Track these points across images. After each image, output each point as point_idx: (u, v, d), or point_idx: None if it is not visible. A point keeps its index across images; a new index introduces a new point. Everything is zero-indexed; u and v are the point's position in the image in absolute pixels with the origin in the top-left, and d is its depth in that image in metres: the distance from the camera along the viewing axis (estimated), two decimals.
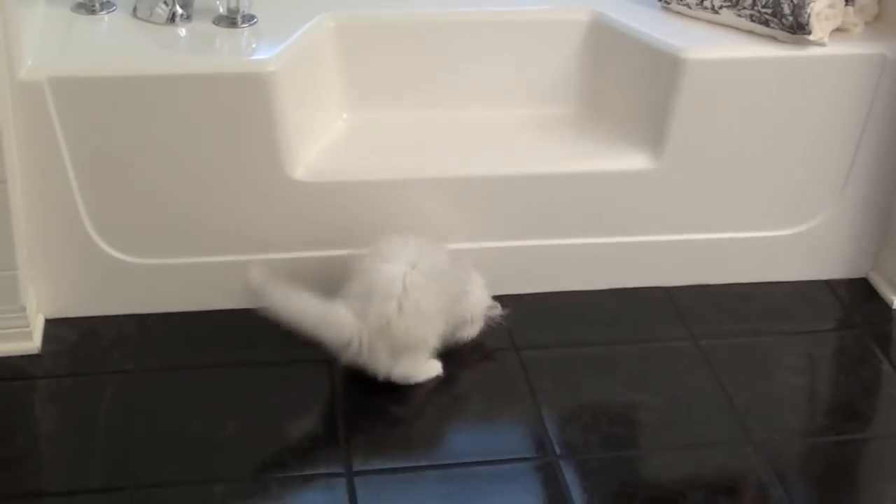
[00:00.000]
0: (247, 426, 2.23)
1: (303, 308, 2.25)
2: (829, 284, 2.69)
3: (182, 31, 2.47)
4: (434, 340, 2.33)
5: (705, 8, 2.56)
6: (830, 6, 2.47)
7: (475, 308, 2.40)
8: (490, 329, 2.44)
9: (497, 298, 2.49)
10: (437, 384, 2.37)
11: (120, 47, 2.41)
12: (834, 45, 2.49)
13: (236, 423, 2.23)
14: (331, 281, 2.49)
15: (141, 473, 2.12)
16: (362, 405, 2.30)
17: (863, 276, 2.71)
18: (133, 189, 2.40)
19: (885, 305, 2.64)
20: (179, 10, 2.47)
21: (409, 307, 2.27)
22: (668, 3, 2.62)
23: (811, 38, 2.45)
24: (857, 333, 2.56)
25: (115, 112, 2.32)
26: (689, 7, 2.58)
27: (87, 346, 2.41)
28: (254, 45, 2.45)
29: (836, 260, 2.70)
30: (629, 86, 2.60)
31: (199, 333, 2.46)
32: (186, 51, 2.45)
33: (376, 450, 2.21)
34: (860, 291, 2.68)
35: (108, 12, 2.50)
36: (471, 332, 2.41)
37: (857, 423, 2.33)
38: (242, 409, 2.27)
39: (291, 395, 2.32)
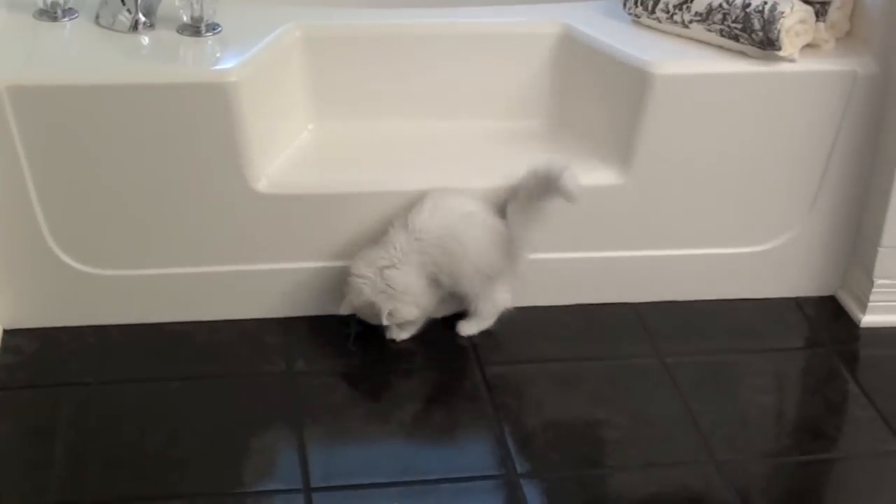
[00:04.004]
0: (206, 440, 2.21)
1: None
2: (797, 302, 2.68)
3: (145, 39, 2.45)
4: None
5: (675, 22, 2.54)
6: (801, 22, 2.46)
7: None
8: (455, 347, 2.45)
9: (462, 314, 2.48)
10: (400, 400, 2.35)
11: (81, 56, 2.38)
12: (804, 61, 2.47)
13: (195, 438, 2.21)
14: (295, 294, 2.49)
15: (97, 488, 2.09)
16: (323, 420, 2.28)
17: (831, 293, 2.70)
18: (94, 199, 2.37)
19: (853, 324, 2.62)
20: (142, 18, 2.44)
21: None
22: (639, 17, 2.60)
23: (781, 53, 2.44)
24: (824, 352, 2.55)
25: (75, 121, 2.30)
26: (660, 21, 2.56)
27: (46, 358, 2.38)
28: (217, 55, 2.42)
29: (804, 277, 2.68)
30: (598, 100, 2.58)
31: (159, 345, 2.43)
32: (149, 60, 2.42)
33: (336, 465, 2.18)
34: (828, 309, 2.67)
35: (71, 19, 2.48)
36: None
37: (822, 444, 2.31)
38: (201, 423, 2.25)
39: (251, 408, 2.30)
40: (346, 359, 2.44)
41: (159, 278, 2.45)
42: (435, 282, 2.42)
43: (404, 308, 2.39)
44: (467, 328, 2.50)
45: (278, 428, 2.26)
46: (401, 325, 2.45)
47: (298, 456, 2.19)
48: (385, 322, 2.38)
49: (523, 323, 2.52)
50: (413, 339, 2.48)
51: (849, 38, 2.56)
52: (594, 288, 2.60)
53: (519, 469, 2.19)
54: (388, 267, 2.38)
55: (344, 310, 2.42)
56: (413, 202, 2.43)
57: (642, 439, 2.27)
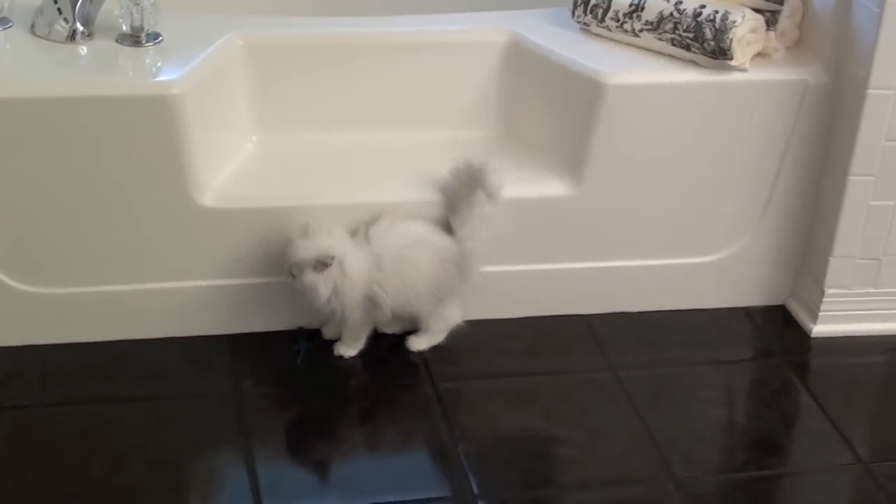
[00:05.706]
0: (152, 465, 2.14)
1: None
2: (747, 312, 2.66)
3: (83, 49, 2.37)
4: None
5: (626, 31, 2.51)
6: (752, 31, 2.44)
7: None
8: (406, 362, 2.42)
9: (412, 330, 2.45)
10: (350, 419, 2.30)
11: (16, 67, 2.31)
12: (755, 70, 2.46)
13: (141, 462, 2.14)
14: (242, 311, 2.43)
15: None
16: (272, 441, 2.23)
17: (781, 303, 2.69)
18: (32, 216, 2.29)
19: (804, 333, 2.61)
20: (80, 28, 2.36)
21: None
22: (588, 26, 2.56)
23: (733, 63, 2.42)
24: (776, 363, 2.53)
25: (11, 136, 2.22)
26: (609, 30, 2.53)
27: None
28: (159, 65, 2.35)
29: (754, 287, 2.67)
30: (548, 110, 2.54)
31: (102, 365, 2.36)
32: (87, 71, 2.35)
33: (287, 488, 2.13)
34: (778, 319, 2.66)
35: (4, 28, 2.40)
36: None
37: (778, 458, 2.29)
38: (146, 448, 2.18)
39: (198, 430, 2.24)
40: (294, 377, 2.38)
41: (101, 296, 2.37)
42: (370, 300, 2.37)
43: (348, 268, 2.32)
44: (418, 343, 2.46)
45: (227, 450, 2.20)
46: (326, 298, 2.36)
47: (248, 478, 2.13)
48: (322, 260, 2.28)
49: (474, 337, 2.49)
50: (362, 355, 2.44)
51: (798, 46, 2.55)
52: (545, 300, 2.57)
53: (474, 489, 2.15)
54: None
55: (306, 252, 2.29)
56: (360, 215, 2.38)
57: (599, 456, 2.24)
